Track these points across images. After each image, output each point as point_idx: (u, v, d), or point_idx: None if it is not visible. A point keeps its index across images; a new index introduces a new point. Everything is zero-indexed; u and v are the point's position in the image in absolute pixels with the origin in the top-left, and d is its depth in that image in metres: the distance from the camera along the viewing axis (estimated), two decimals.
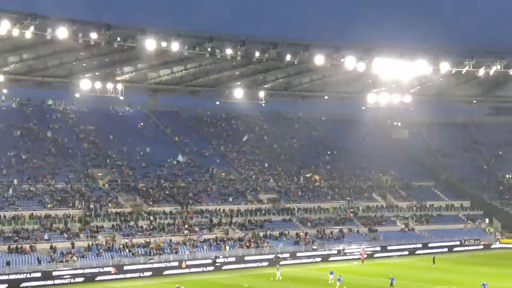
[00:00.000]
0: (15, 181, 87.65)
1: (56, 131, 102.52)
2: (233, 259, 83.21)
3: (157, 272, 76.79)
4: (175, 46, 79.66)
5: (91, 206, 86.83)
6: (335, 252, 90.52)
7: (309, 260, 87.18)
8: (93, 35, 74.74)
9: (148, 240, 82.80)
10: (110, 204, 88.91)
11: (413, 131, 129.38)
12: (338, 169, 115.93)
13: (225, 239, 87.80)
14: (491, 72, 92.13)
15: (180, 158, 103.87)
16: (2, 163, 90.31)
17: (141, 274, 75.89)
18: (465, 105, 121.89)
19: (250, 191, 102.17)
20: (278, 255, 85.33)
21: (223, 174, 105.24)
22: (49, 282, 70.45)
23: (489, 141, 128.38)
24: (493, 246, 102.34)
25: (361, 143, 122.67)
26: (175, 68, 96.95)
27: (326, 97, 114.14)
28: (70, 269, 73.07)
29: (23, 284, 69.09)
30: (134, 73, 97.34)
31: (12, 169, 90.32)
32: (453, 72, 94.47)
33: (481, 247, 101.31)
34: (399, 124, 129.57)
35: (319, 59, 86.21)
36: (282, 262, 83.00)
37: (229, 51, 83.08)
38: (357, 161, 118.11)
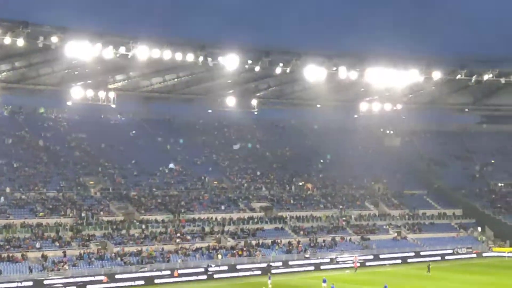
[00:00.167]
0: (7, 189, 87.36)
1: (48, 139, 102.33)
2: (225, 267, 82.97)
3: (149, 281, 76.43)
4: (167, 54, 79.59)
5: (83, 214, 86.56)
6: (328, 260, 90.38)
7: (302, 269, 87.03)
8: (85, 43, 74.60)
9: (140, 249, 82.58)
10: (102, 212, 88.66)
11: (405, 139, 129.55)
12: (330, 177, 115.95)
13: (217, 247, 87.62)
14: (483, 81, 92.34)
15: (171, 165, 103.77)
16: None
17: (133, 283, 75.48)
18: (457, 113, 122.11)
19: (242, 199, 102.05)
20: (271, 264, 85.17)
21: (215, 182, 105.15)
22: None
23: (481, 149, 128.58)
24: (485, 255, 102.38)
25: (353, 151, 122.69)
26: (167, 76, 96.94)
27: (318, 105, 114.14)
28: (62, 278, 72.74)
29: None
30: (126, 81, 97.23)
31: (3, 177, 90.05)
32: (445, 80, 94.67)
33: (474, 255, 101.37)
34: (392, 132, 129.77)
35: (311, 68, 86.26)
36: (274, 271, 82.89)
37: (221, 59, 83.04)
38: (349, 169, 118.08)
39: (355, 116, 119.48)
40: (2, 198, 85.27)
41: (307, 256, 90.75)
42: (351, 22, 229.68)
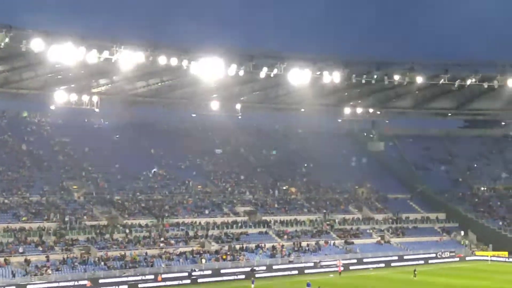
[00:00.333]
0: None
1: (31, 143, 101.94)
2: (209, 272, 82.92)
3: (133, 286, 76.35)
4: (151, 59, 79.34)
5: (66, 218, 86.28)
6: (312, 264, 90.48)
7: (286, 273, 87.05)
8: (69, 47, 74.26)
9: (124, 253, 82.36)
10: (85, 217, 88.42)
11: (389, 143, 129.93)
12: (314, 181, 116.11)
13: (201, 252, 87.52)
14: (466, 86, 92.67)
15: (154, 170, 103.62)
16: None
17: (117, 287, 75.36)
18: (440, 118, 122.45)
19: (226, 203, 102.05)
20: (255, 268, 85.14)
21: (199, 186, 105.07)
22: None
23: (464, 153, 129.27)
24: (468, 258, 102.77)
25: (337, 156, 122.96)
26: (151, 80, 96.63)
27: (302, 110, 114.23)
28: (45, 283, 72.54)
29: None
30: (109, 85, 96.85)
31: None
32: (428, 85, 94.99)
33: (457, 259, 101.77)
34: (375, 136, 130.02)
35: (295, 72, 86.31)
36: (258, 275, 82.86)
37: (205, 63, 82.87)
38: (333, 173, 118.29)
39: (339, 120, 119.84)
40: None
41: (291, 260, 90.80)
42: (334, 26, 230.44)
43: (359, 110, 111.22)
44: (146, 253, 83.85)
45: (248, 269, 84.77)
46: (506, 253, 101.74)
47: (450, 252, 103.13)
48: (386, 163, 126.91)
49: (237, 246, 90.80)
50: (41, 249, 79.30)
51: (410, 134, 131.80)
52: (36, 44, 70.79)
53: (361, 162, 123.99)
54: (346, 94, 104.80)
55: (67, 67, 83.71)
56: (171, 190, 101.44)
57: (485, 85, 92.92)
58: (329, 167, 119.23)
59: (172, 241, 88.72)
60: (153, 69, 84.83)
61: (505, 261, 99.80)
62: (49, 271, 74.52)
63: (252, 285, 74.20)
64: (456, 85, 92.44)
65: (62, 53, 73.13)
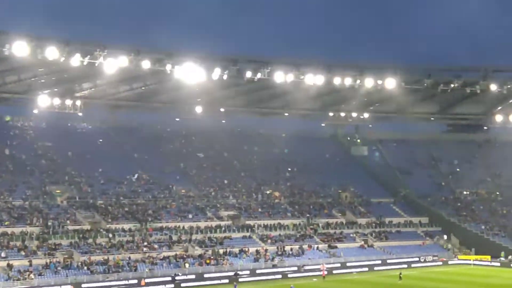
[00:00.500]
0: None
1: (14, 147, 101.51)
2: (192, 276, 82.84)
3: None
4: (134, 63, 79.24)
5: (49, 223, 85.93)
6: (295, 268, 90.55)
7: (269, 277, 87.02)
8: (52, 51, 74.06)
9: (107, 258, 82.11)
10: (68, 221, 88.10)
11: (372, 148, 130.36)
12: (298, 185, 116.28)
13: (184, 256, 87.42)
14: (449, 90, 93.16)
15: (134, 177, 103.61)
16: None
17: None
18: (423, 122, 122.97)
19: (210, 208, 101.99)
20: (238, 272, 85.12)
21: (183, 191, 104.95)
22: None
23: (447, 158, 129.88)
24: (451, 262, 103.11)
25: (321, 160, 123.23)
26: (134, 85, 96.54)
27: (286, 114, 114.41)
28: (28, 287, 72.12)
29: None
30: (93, 89, 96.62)
31: None
32: (412, 89, 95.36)
33: (440, 263, 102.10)
34: (359, 141, 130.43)
35: (279, 76, 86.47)
36: (242, 279, 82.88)
37: (188, 68, 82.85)
38: (317, 177, 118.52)
39: (323, 124, 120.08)
40: None
41: (274, 264, 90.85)
42: (316, 31, 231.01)
43: (343, 114, 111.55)
44: (130, 258, 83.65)
45: (231, 273, 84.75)
46: (488, 257, 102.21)
47: (433, 256, 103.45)
48: (370, 168, 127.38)
49: (221, 251, 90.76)
50: (23, 253, 78.91)
51: (394, 138, 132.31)
52: (19, 48, 70.57)
53: (345, 167, 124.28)
54: (329, 98, 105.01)
55: (51, 71, 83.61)
56: (155, 195, 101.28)
57: (468, 89, 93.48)
58: (312, 172, 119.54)
59: (156, 246, 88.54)
60: (136, 73, 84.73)
61: (487, 265, 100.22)
62: (32, 276, 74.18)
63: None
64: (439, 90, 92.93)
65: (45, 57, 72.96)
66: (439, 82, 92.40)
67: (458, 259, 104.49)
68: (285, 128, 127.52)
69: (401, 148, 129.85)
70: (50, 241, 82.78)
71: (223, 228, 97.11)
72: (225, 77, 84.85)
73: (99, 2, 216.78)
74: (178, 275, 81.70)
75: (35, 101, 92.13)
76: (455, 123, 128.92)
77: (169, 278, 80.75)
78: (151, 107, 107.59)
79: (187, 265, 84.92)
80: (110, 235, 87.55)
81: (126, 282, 77.99)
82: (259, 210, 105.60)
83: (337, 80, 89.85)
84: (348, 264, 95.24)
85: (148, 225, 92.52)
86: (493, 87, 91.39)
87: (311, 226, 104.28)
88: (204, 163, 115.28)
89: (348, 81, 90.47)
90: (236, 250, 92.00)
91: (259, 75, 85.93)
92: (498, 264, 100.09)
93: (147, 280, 78.90)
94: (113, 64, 77.02)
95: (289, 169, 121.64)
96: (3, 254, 77.30)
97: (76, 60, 74.73)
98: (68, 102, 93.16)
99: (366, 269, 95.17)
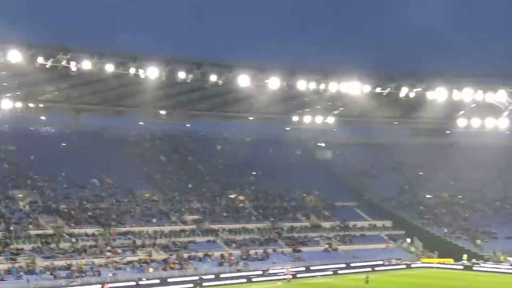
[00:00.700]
0: None
1: None
2: (156, 281, 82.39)
3: None
4: (98, 66, 78.80)
5: (11, 228, 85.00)
6: (260, 272, 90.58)
7: (234, 281, 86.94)
8: (15, 54, 73.36)
9: (70, 263, 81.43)
10: (30, 226, 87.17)
11: (336, 152, 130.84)
12: (262, 189, 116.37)
13: (148, 260, 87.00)
14: (412, 94, 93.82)
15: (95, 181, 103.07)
16: None
17: None
18: (387, 126, 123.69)
19: (174, 212, 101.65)
20: (202, 277, 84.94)
21: (147, 195, 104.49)
22: None
23: (410, 161, 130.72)
24: (414, 265, 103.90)
25: (285, 164, 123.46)
26: (98, 88, 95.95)
27: (251, 118, 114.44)
28: None
29: None
30: (56, 92, 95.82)
31: None
32: (375, 94, 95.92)
33: (403, 266, 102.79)
34: (323, 144, 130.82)
35: (243, 80, 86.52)
36: (206, 284, 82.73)
37: (153, 71, 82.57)
38: (281, 181, 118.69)
39: (287, 128, 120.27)
40: None
41: (239, 268, 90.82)
42: (283, 35, 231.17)
43: (307, 118, 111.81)
44: (93, 262, 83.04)
45: (196, 277, 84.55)
46: (451, 260, 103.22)
47: (397, 259, 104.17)
48: (334, 171, 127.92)
49: (185, 255, 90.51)
50: None
51: (358, 142, 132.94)
52: None
53: (309, 170, 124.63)
54: (294, 102, 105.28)
55: (13, 74, 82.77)
56: (118, 199, 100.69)
57: (429, 94, 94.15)
58: (277, 175, 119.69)
59: (119, 250, 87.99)
60: (100, 76, 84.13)
61: (450, 268, 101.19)
62: None
63: None
64: (401, 94, 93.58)
65: (8, 60, 72.26)
66: (402, 86, 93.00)
67: (422, 262, 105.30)
68: (250, 132, 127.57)
69: (365, 152, 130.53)
70: (12, 246, 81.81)
71: (188, 233, 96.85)
72: (189, 80, 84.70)
73: (62, 5, 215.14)
74: (142, 279, 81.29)
75: None
76: (417, 127, 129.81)
77: (133, 283, 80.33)
78: (115, 111, 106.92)
79: (151, 269, 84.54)
80: (73, 240, 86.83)
81: (89, 287, 77.46)
82: (224, 214, 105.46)
83: (301, 84, 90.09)
84: (312, 268, 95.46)
85: (111, 229, 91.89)
86: (455, 92, 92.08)
87: (276, 230, 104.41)
88: (168, 167, 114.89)
89: (312, 85, 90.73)
90: (201, 254, 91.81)
91: (223, 79, 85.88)
92: (461, 267, 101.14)
93: (111, 285, 78.34)
94: (76, 67, 76.48)
95: (254, 173, 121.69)
96: None
97: (38, 64, 74.08)
98: (31, 105, 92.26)
99: (331, 272, 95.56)
